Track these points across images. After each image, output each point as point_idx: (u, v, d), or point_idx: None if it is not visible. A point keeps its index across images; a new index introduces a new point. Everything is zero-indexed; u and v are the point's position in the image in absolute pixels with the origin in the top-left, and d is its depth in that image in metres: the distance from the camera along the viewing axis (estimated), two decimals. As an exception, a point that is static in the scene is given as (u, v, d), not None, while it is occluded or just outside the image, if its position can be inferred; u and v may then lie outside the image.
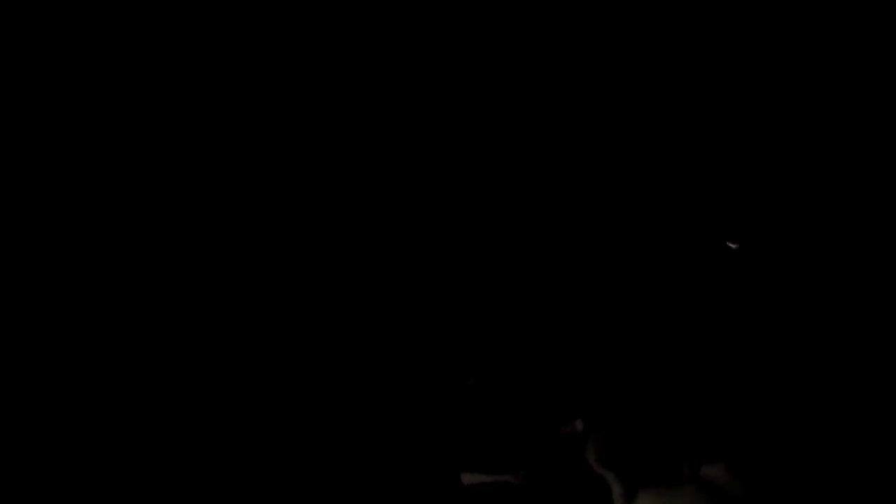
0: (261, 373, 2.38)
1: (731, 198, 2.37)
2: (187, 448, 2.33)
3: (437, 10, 2.39)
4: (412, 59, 2.41)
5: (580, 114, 2.40)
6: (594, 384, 2.21)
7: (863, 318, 2.28)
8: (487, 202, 2.42)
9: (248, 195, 2.41)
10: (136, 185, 2.39)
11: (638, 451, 1.81)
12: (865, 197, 2.33)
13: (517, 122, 2.42)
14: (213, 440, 2.34)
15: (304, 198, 2.42)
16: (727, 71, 2.37)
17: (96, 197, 2.38)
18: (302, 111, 2.42)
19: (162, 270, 2.38)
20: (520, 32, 2.40)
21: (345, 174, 2.43)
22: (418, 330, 2.37)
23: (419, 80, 2.42)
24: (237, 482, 2.31)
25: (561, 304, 2.33)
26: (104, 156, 2.38)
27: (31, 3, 2.32)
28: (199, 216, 2.40)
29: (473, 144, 2.42)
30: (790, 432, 2.17)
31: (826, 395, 2.23)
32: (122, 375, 2.35)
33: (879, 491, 2.03)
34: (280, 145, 2.42)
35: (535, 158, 2.42)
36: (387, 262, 2.41)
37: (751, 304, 2.31)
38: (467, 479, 2.08)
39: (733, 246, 2.31)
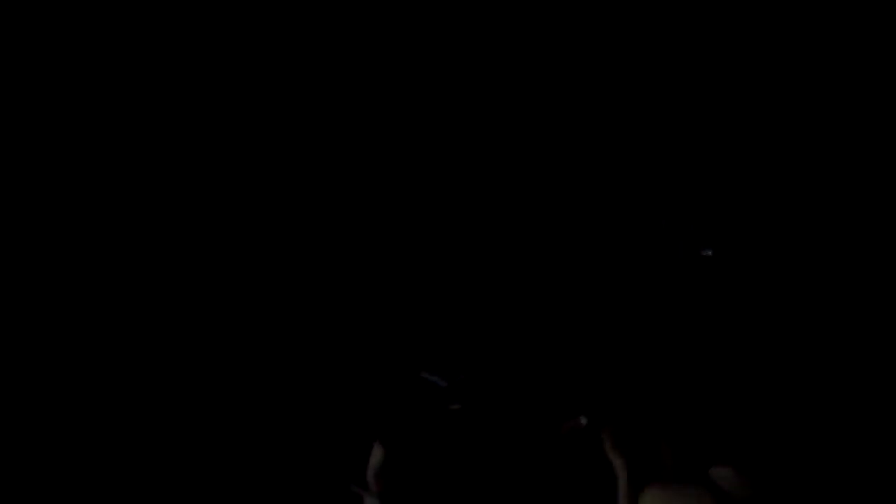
0: (261, 373, 2.38)
1: (730, 197, 2.37)
2: (187, 448, 2.32)
3: (437, 11, 2.39)
4: (412, 59, 2.41)
5: (580, 114, 2.40)
6: (615, 379, 2.22)
7: (865, 319, 2.29)
8: (487, 202, 2.42)
9: (248, 195, 2.41)
10: (136, 185, 2.38)
11: (650, 445, 1.80)
12: (865, 197, 2.33)
13: (517, 122, 2.42)
14: (214, 440, 2.33)
15: (304, 198, 2.42)
16: (727, 71, 2.37)
17: (96, 197, 2.37)
18: (302, 111, 2.42)
19: (162, 270, 2.38)
20: (520, 32, 2.40)
21: (345, 174, 2.43)
22: (418, 329, 2.37)
23: (419, 80, 2.42)
24: (237, 482, 2.31)
25: (578, 300, 2.34)
26: (104, 156, 2.38)
27: (31, 3, 2.32)
28: (199, 216, 2.39)
29: (473, 144, 2.42)
30: (799, 440, 2.17)
31: (834, 402, 2.23)
32: (122, 375, 2.34)
33: (883, 495, 2.04)
34: (280, 145, 2.42)
35: (535, 158, 2.42)
36: (386, 262, 2.41)
37: (765, 307, 2.32)
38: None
39: (708, 253, 2.32)
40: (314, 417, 2.34)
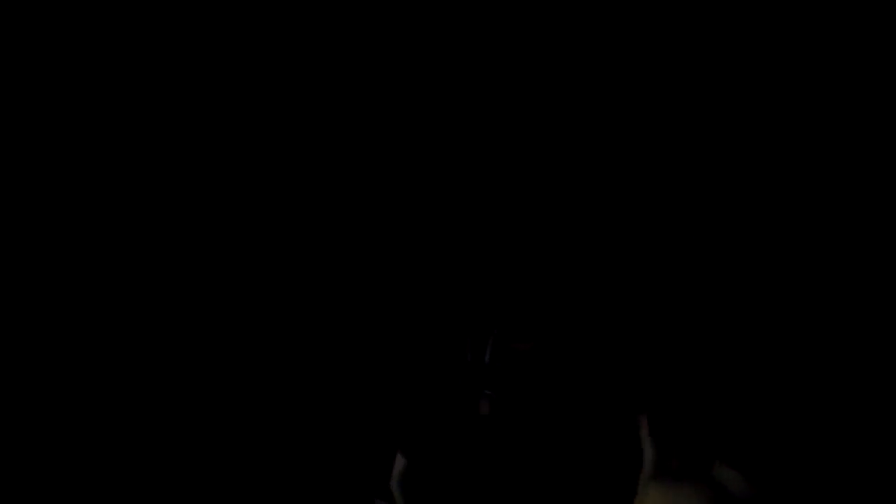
0: (261, 372, 2.38)
1: (731, 197, 2.38)
2: (187, 448, 2.32)
3: (437, 11, 2.39)
4: (412, 59, 2.41)
5: (580, 114, 2.41)
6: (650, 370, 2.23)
7: (865, 319, 2.29)
8: (488, 202, 2.42)
9: (248, 195, 2.41)
10: (136, 184, 2.39)
11: (657, 441, 1.81)
12: (865, 197, 2.33)
13: (517, 123, 2.42)
14: (213, 440, 2.33)
15: (304, 198, 2.42)
16: (727, 71, 2.38)
17: (96, 197, 2.38)
18: (302, 111, 2.42)
19: (162, 270, 2.38)
20: (520, 32, 2.40)
21: (345, 174, 2.43)
22: (418, 329, 2.37)
23: (419, 80, 2.42)
24: (237, 482, 2.31)
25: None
26: (104, 156, 2.38)
27: (31, 3, 2.32)
28: (199, 216, 2.39)
29: (473, 144, 2.43)
30: (799, 440, 2.18)
31: (834, 403, 2.23)
32: (122, 375, 2.35)
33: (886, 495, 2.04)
34: (280, 145, 2.42)
35: (536, 158, 2.42)
36: (387, 262, 2.41)
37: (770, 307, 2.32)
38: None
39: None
40: (333, 425, 2.34)
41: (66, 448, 2.30)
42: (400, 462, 2.03)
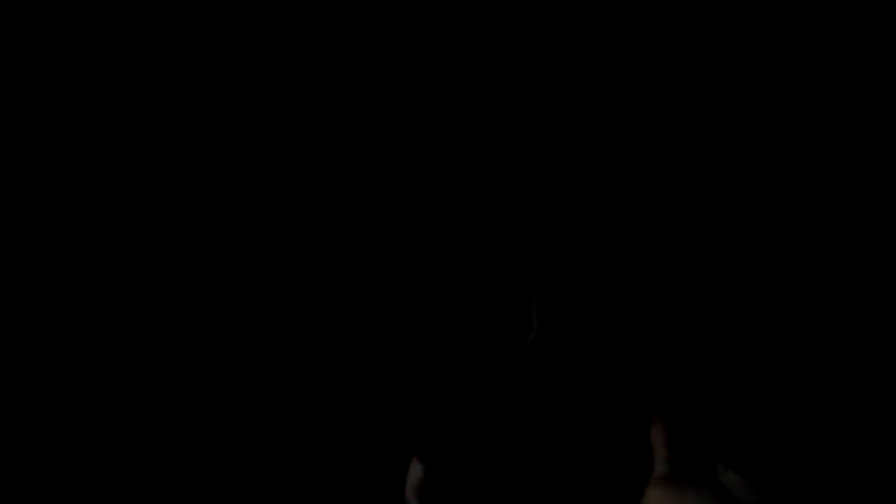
0: (261, 373, 2.38)
1: (731, 197, 2.37)
2: (187, 448, 2.32)
3: (437, 11, 2.39)
4: (412, 59, 2.41)
5: (580, 114, 2.40)
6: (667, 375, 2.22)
7: (865, 320, 2.29)
8: (488, 202, 2.42)
9: (248, 195, 2.41)
10: (136, 185, 2.38)
11: (686, 436, 1.81)
12: (865, 197, 2.33)
13: (517, 123, 2.42)
14: (213, 440, 2.33)
15: (304, 198, 2.42)
16: (727, 71, 2.38)
17: (96, 197, 2.37)
18: (302, 111, 2.42)
19: (162, 270, 2.38)
20: (520, 33, 2.40)
21: (345, 174, 2.43)
22: (418, 328, 2.37)
23: (419, 80, 2.42)
24: (237, 482, 2.31)
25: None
26: (104, 156, 2.38)
27: (31, 3, 2.31)
28: (199, 216, 2.39)
29: (473, 145, 2.42)
30: (800, 440, 2.18)
31: (834, 403, 2.24)
32: (122, 375, 2.34)
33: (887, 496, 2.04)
34: (280, 145, 2.42)
35: (535, 159, 2.42)
36: (386, 262, 2.41)
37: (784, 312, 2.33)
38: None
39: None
40: (348, 433, 2.32)
41: (65, 448, 2.30)
42: (416, 469, 1.99)
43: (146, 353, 2.36)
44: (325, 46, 2.40)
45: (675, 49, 2.36)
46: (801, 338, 2.30)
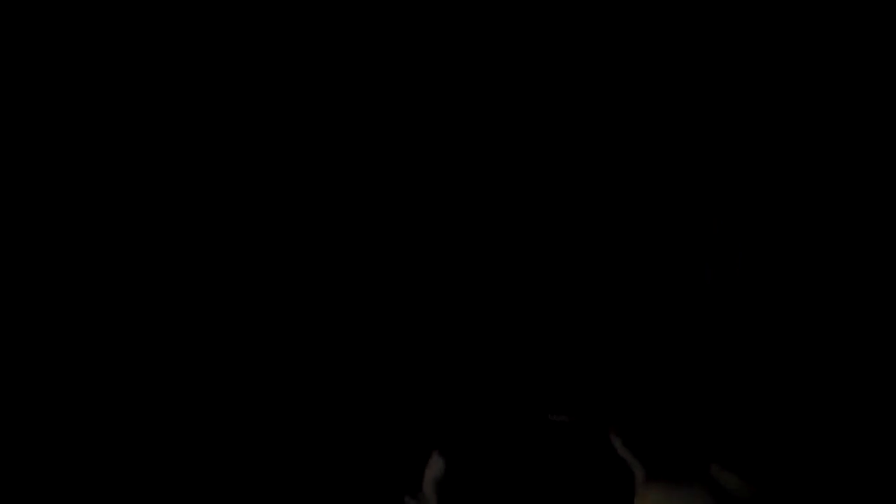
0: (261, 373, 2.38)
1: (731, 197, 2.37)
2: (187, 448, 2.32)
3: (437, 11, 2.39)
4: (412, 59, 2.41)
5: (580, 114, 2.40)
6: (617, 377, 2.22)
7: (864, 318, 2.29)
8: (488, 202, 2.42)
9: (247, 195, 2.41)
10: (136, 185, 2.39)
11: (657, 442, 1.81)
12: (865, 197, 2.33)
13: (517, 123, 2.42)
14: (213, 440, 2.33)
15: (304, 198, 2.42)
16: (727, 71, 2.38)
17: (96, 197, 2.38)
18: (302, 111, 2.42)
19: (162, 270, 2.38)
20: (520, 32, 2.40)
21: (345, 174, 2.43)
22: (419, 329, 2.37)
23: (419, 80, 2.42)
24: (237, 482, 2.31)
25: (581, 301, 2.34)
26: (104, 156, 2.38)
27: (31, 3, 2.32)
28: (198, 216, 2.39)
29: (473, 145, 2.43)
30: (798, 440, 2.17)
31: (834, 403, 2.23)
32: (122, 375, 2.35)
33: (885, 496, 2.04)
34: (280, 145, 2.42)
35: (535, 159, 2.42)
36: (386, 262, 2.41)
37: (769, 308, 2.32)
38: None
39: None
40: (366, 424, 2.32)
41: (65, 447, 2.30)
42: (437, 463, 1.96)
43: (146, 352, 2.36)
44: (326, 46, 2.41)
45: (676, 51, 2.36)
46: (800, 338, 2.30)
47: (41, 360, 2.33)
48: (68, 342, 2.34)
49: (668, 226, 2.36)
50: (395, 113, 2.42)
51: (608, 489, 2.06)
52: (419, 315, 2.37)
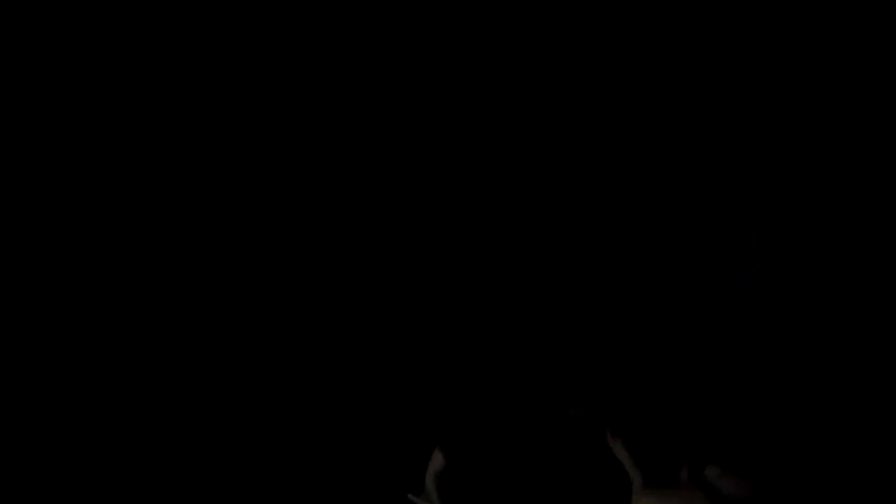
0: (262, 373, 2.38)
1: (732, 197, 2.38)
2: (187, 448, 2.33)
3: (437, 11, 2.40)
4: (412, 59, 2.42)
5: (581, 114, 2.41)
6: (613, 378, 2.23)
7: (865, 321, 2.30)
8: (489, 202, 2.43)
9: (247, 195, 2.42)
10: (136, 185, 2.39)
11: (653, 445, 1.81)
12: (865, 197, 2.34)
13: (517, 123, 2.43)
14: (213, 440, 2.34)
15: (304, 198, 2.43)
16: (727, 71, 2.38)
17: (96, 197, 2.38)
18: (302, 111, 2.43)
19: (161, 270, 2.39)
20: (520, 32, 2.41)
21: (345, 174, 2.43)
22: (419, 329, 2.38)
23: (419, 80, 2.43)
24: (237, 482, 2.32)
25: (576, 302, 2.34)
26: (104, 156, 2.39)
27: (31, 3, 2.32)
28: (199, 216, 2.40)
29: (474, 145, 2.43)
30: (797, 440, 2.18)
31: (834, 403, 2.24)
32: (122, 375, 2.35)
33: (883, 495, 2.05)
34: (280, 145, 2.43)
35: (536, 158, 2.42)
36: (387, 262, 2.42)
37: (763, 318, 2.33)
38: None
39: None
40: (368, 419, 2.32)
41: (64, 447, 2.31)
42: (438, 459, 1.94)
43: (146, 352, 2.37)
44: (325, 46, 2.41)
45: (718, 52, 2.37)
46: (787, 332, 2.31)
47: (41, 360, 2.33)
48: (68, 342, 2.35)
49: (708, 229, 2.37)
50: (396, 113, 2.43)
51: (607, 491, 2.06)
52: (418, 309, 2.37)
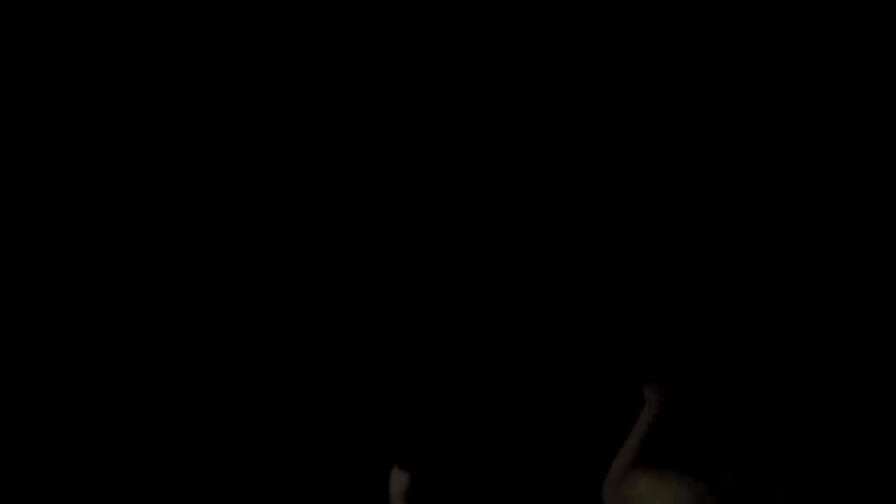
0: (262, 373, 2.38)
1: (732, 198, 2.37)
2: (187, 448, 2.32)
3: (437, 11, 2.39)
4: (412, 59, 2.41)
5: (581, 114, 2.40)
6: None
7: (865, 320, 2.29)
8: (489, 202, 2.42)
9: (247, 195, 2.41)
10: (136, 185, 2.38)
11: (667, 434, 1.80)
12: (865, 197, 2.33)
13: (517, 123, 2.42)
14: (213, 440, 2.33)
15: (304, 198, 2.42)
16: (727, 71, 2.38)
17: (96, 197, 2.38)
18: (302, 111, 2.42)
19: (162, 270, 2.38)
20: (520, 32, 2.40)
21: (345, 174, 2.43)
22: (420, 330, 2.37)
23: (419, 80, 2.42)
24: (237, 482, 2.31)
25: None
26: (104, 156, 2.38)
27: (31, 2, 2.32)
28: (198, 216, 2.39)
29: (474, 145, 2.42)
30: (798, 440, 2.17)
31: (833, 402, 2.23)
32: (122, 375, 2.34)
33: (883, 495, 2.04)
34: (280, 145, 2.42)
35: (536, 158, 2.42)
36: (387, 263, 2.41)
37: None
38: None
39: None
40: (329, 436, 2.30)
41: (64, 447, 2.30)
42: (400, 477, 1.85)
43: (145, 352, 2.36)
44: (325, 46, 2.41)
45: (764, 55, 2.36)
46: (793, 334, 2.30)
47: (41, 360, 2.33)
48: (68, 342, 2.34)
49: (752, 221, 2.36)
50: (401, 114, 2.42)
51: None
52: (391, 322, 2.36)
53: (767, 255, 2.33)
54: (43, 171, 2.35)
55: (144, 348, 2.35)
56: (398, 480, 1.73)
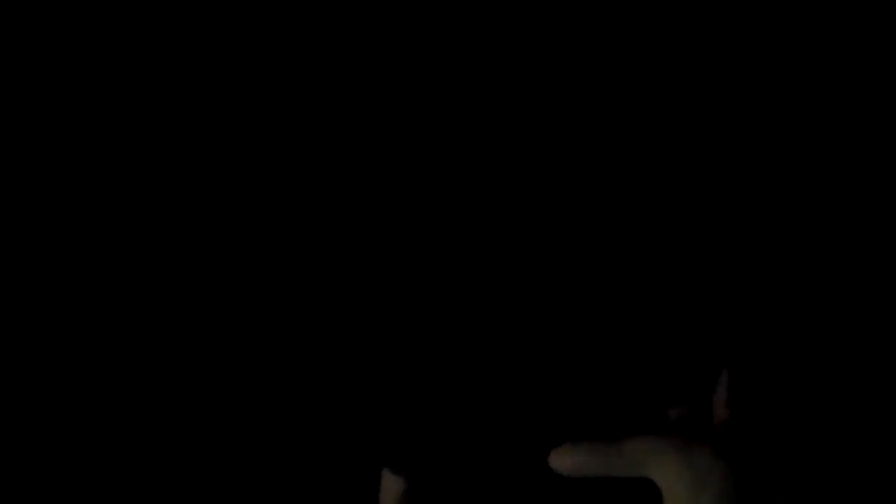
0: (262, 373, 2.38)
1: (732, 198, 2.38)
2: (187, 448, 2.33)
3: (437, 11, 2.40)
4: (412, 59, 2.42)
5: (581, 114, 2.41)
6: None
7: (866, 320, 2.29)
8: (489, 202, 2.42)
9: (247, 195, 2.42)
10: (135, 185, 2.39)
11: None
12: (865, 197, 2.34)
13: (517, 123, 2.43)
14: (213, 440, 2.34)
15: (304, 198, 2.43)
16: (727, 71, 2.38)
17: (96, 197, 2.38)
18: (302, 111, 2.43)
19: (161, 270, 2.39)
20: (520, 32, 2.41)
21: (345, 174, 2.44)
22: (420, 330, 2.37)
23: (419, 80, 2.43)
24: (237, 482, 2.31)
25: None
26: (104, 156, 2.39)
27: (31, 3, 2.33)
28: (198, 216, 2.40)
29: (474, 145, 2.43)
30: (798, 439, 2.18)
31: (834, 403, 2.24)
32: (122, 375, 2.35)
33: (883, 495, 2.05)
34: (280, 145, 2.43)
35: (536, 158, 2.42)
36: (387, 262, 2.41)
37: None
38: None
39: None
40: (326, 436, 2.30)
41: (64, 448, 2.31)
42: (392, 482, 1.78)
43: (145, 352, 2.37)
44: (325, 46, 2.42)
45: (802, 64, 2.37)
46: (793, 331, 2.31)
47: (41, 360, 2.33)
48: (68, 341, 2.35)
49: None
50: (396, 113, 2.43)
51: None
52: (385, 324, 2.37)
53: (767, 256, 2.34)
54: (43, 171, 2.36)
55: (144, 348, 2.36)
56: (390, 483, 1.71)
